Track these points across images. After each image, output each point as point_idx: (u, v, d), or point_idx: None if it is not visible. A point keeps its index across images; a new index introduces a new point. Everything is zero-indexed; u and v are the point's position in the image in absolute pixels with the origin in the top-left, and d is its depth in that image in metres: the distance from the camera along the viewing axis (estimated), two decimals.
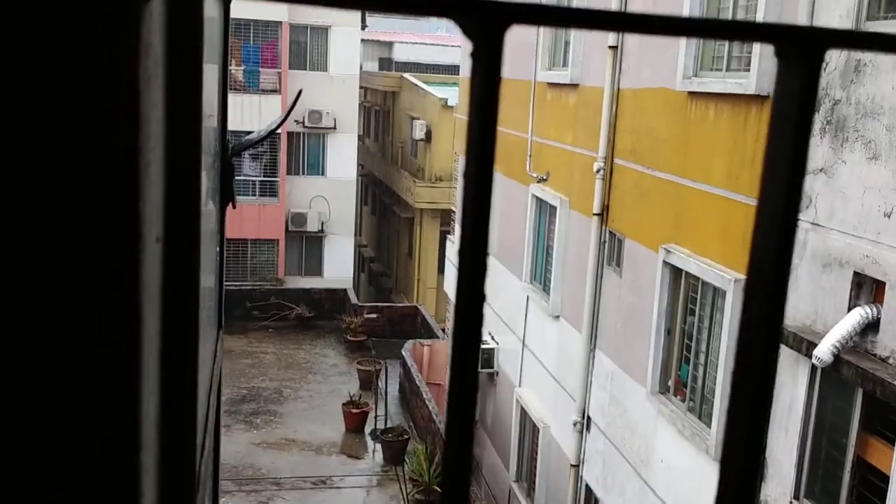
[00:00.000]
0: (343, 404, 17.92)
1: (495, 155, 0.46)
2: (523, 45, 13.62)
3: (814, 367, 6.54)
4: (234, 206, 1.61)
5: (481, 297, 0.46)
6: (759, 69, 7.48)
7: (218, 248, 1.48)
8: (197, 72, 0.63)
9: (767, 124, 0.47)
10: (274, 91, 25.65)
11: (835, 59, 6.60)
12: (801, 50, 0.45)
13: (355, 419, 17.63)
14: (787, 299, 0.48)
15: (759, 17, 7.47)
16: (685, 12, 8.73)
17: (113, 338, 0.45)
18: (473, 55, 0.43)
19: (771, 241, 0.47)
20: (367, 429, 17.69)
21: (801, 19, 6.93)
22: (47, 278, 0.45)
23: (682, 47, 8.80)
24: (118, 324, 0.44)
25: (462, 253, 0.44)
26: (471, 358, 0.48)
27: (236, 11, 27.98)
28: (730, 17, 8.25)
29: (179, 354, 0.60)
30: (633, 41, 10.19)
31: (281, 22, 25.68)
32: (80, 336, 0.44)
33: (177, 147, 0.57)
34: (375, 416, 17.57)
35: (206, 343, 1.12)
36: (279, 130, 25.18)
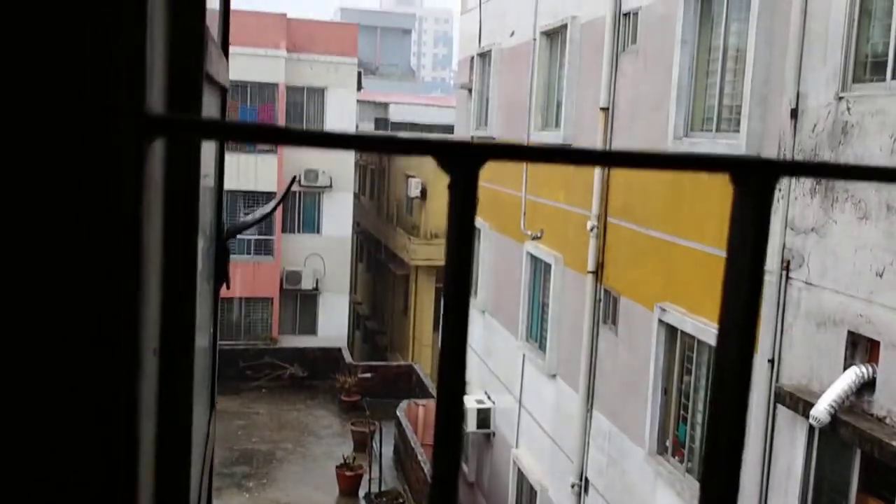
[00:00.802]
0: (337, 467, 17.68)
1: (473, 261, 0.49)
2: (516, 106, 13.84)
3: (811, 428, 6.51)
4: (227, 287, 1.64)
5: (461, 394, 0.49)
6: (748, 130, 7.61)
7: (212, 330, 1.50)
8: (193, 201, 0.66)
9: (726, 248, 0.50)
10: (270, 151, 25.90)
11: (822, 119, 6.73)
12: (754, 179, 0.49)
13: (349, 482, 17.38)
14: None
15: (747, 82, 7.62)
16: (674, 83, 8.92)
17: (109, 451, 0.47)
18: (450, 187, 0.46)
19: (732, 356, 0.50)
20: (362, 492, 17.42)
21: (789, 83, 7.08)
22: (44, 395, 0.47)
23: (673, 108, 8.96)
24: (114, 440, 0.46)
25: (441, 368, 0.46)
26: (455, 423, 0.50)
27: (233, 73, 28.28)
28: (717, 82, 8.41)
29: (173, 462, 0.62)
30: (624, 102, 10.38)
31: (278, 84, 26.07)
32: (75, 451, 0.46)
33: (174, 263, 0.60)
34: (370, 479, 17.32)
35: (199, 426, 1.14)
36: (274, 188, 25.35)
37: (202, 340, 1.19)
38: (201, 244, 1.20)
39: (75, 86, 0.42)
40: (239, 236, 26.21)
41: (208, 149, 1.25)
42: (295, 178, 3.31)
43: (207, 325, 1.35)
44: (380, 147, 0.44)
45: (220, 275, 1.53)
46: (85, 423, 0.46)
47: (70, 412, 0.47)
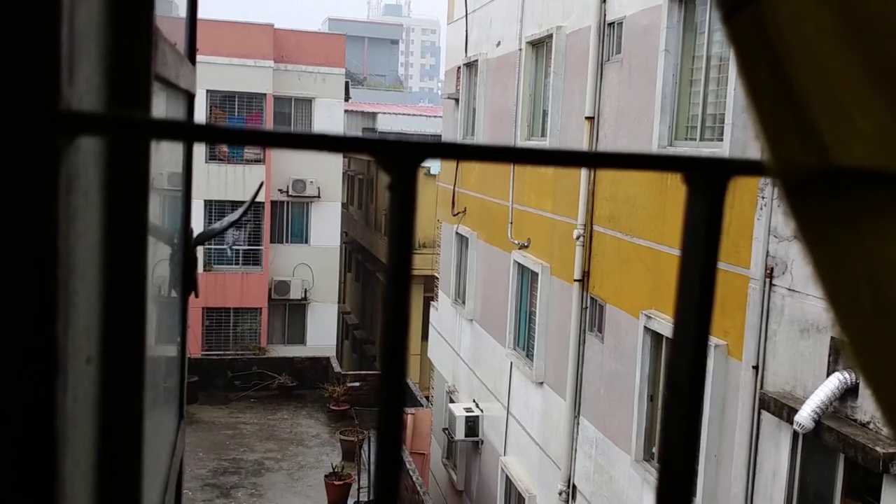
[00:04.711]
0: (325, 476, 17.59)
1: (413, 269, 0.47)
2: (503, 115, 13.87)
3: (796, 434, 6.52)
4: (196, 296, 1.63)
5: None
6: (731, 138, 7.64)
7: (180, 339, 1.48)
8: (141, 205, 0.64)
9: (680, 246, 0.49)
10: (258, 161, 25.85)
11: None
12: (707, 178, 0.47)
13: (338, 491, 17.30)
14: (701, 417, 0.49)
15: (731, 91, 7.66)
16: (658, 92, 8.95)
17: (24, 456, 0.44)
18: (390, 188, 0.45)
19: (686, 357, 0.49)
20: (350, 501, 17.34)
21: None
22: None
23: (657, 116, 8.99)
24: (30, 445, 0.44)
25: (383, 380, 0.45)
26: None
27: (221, 84, 27.99)
28: (701, 91, 8.45)
29: (119, 474, 0.60)
30: (609, 111, 10.40)
31: (265, 94, 26.04)
32: None
33: (118, 267, 0.58)
34: (359, 488, 17.24)
35: (162, 437, 1.11)
36: (262, 198, 25.29)
37: (167, 349, 1.16)
38: (168, 252, 1.18)
39: None
40: (227, 246, 26.14)
41: (173, 154, 1.23)
42: (262, 184, 3.30)
43: (174, 334, 1.32)
44: (314, 145, 0.43)
45: (188, 283, 1.51)
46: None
47: None
